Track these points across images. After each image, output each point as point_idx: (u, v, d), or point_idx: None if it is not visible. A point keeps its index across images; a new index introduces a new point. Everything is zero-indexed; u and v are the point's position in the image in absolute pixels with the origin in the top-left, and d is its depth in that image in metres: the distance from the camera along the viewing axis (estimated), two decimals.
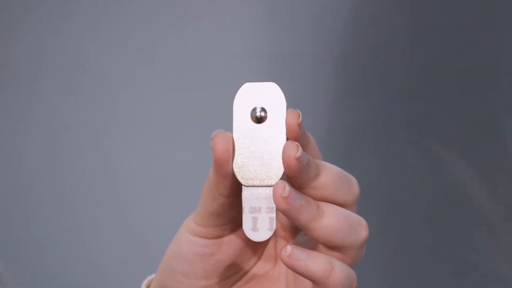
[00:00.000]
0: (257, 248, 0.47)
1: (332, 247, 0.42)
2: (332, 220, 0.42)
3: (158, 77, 0.84)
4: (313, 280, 0.41)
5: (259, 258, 0.47)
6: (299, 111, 0.41)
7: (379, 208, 0.81)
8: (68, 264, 0.84)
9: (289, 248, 0.40)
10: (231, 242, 0.45)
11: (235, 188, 0.42)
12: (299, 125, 0.41)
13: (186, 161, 0.83)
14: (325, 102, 0.83)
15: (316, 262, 0.41)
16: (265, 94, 0.42)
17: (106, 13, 0.84)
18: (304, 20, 0.82)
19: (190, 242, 0.44)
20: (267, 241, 0.47)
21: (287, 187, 0.40)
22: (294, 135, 0.41)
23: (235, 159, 0.41)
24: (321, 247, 0.43)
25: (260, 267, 0.47)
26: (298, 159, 0.40)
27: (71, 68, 0.84)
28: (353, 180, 0.44)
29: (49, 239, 0.84)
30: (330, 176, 0.42)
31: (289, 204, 0.40)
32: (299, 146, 0.40)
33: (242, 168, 0.41)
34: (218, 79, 0.82)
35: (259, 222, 0.41)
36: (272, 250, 0.47)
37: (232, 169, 0.41)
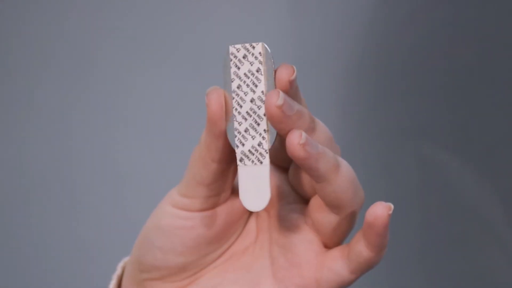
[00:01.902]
0: (240, 223, 0.44)
1: (339, 206, 0.40)
2: (348, 174, 0.39)
3: (173, 76, 0.82)
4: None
5: (239, 234, 0.44)
6: (294, 67, 0.39)
7: (418, 220, 0.78)
8: (72, 266, 0.83)
9: (304, 135, 0.37)
10: (214, 216, 0.42)
11: (227, 153, 0.40)
12: (291, 82, 0.38)
13: None
14: (358, 105, 0.80)
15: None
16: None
17: (115, 9, 0.82)
18: (334, 16, 0.79)
19: (172, 214, 0.42)
20: (249, 216, 0.45)
21: (304, 134, 0.37)
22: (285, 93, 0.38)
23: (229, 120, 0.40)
24: (321, 207, 0.40)
25: (240, 243, 0.44)
26: (280, 107, 0.37)
27: (75, 69, 0.82)
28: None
29: (51, 242, 0.83)
30: (324, 133, 0.40)
31: (307, 152, 0.37)
32: (281, 93, 0.37)
33: None
34: None
35: (256, 189, 0.39)
36: (252, 224, 0.45)
37: (225, 129, 0.39)
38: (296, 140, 0.37)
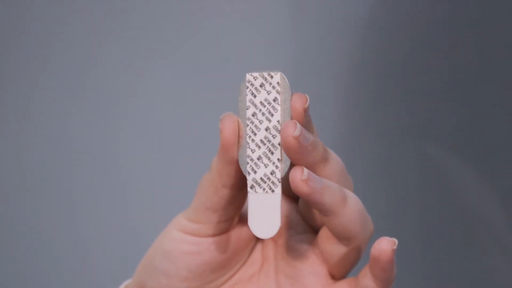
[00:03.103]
0: (246, 251, 0.44)
1: (348, 238, 0.40)
2: (356, 206, 0.39)
3: (174, 78, 0.82)
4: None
5: (244, 263, 0.45)
6: (307, 96, 0.39)
7: (419, 219, 0.78)
8: (71, 267, 0.83)
9: (306, 171, 0.38)
10: (221, 243, 0.42)
11: (238, 179, 0.40)
12: (305, 111, 0.39)
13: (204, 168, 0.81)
14: (358, 105, 0.79)
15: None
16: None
17: (115, 9, 0.82)
18: (334, 16, 0.79)
19: (179, 239, 0.42)
20: (255, 244, 0.45)
21: (306, 170, 0.38)
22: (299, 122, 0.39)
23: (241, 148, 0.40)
24: (330, 238, 0.41)
25: (245, 271, 0.45)
26: (297, 138, 0.37)
27: (75, 70, 0.82)
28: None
29: (50, 243, 0.83)
30: (337, 164, 0.41)
31: (311, 187, 0.37)
32: (297, 124, 0.38)
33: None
34: (240, 80, 0.79)
35: (266, 217, 0.39)
36: (258, 253, 0.45)
37: (237, 156, 0.40)
38: (298, 177, 0.37)
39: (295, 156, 0.38)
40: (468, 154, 0.77)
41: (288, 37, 0.80)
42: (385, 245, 0.38)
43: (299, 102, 0.39)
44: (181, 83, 0.81)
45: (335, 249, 0.41)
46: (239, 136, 0.40)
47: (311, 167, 0.39)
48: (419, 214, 0.79)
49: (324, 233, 0.41)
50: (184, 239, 0.42)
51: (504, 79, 0.77)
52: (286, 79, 0.39)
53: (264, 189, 0.39)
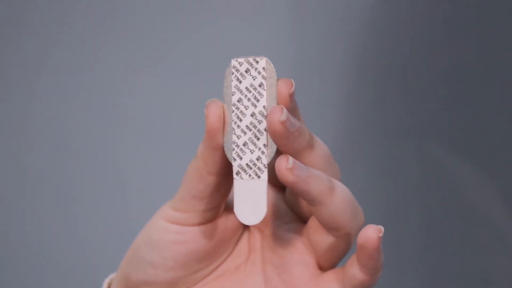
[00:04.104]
0: (232, 241, 0.44)
1: (337, 228, 0.40)
2: (344, 196, 0.39)
3: (174, 78, 0.82)
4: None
5: (231, 252, 0.44)
6: (292, 81, 0.39)
7: (419, 219, 0.78)
8: (71, 267, 0.83)
9: (291, 160, 0.37)
10: (207, 232, 0.42)
11: (224, 166, 0.40)
12: (291, 95, 0.39)
13: None
14: (358, 105, 0.79)
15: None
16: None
17: (115, 9, 0.82)
18: (334, 16, 0.79)
19: (164, 229, 0.42)
20: (241, 234, 0.45)
21: (291, 158, 0.37)
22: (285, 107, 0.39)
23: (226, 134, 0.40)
24: (318, 228, 0.40)
25: (231, 261, 0.44)
26: (283, 123, 0.37)
27: (74, 69, 0.82)
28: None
29: (50, 243, 0.83)
30: (323, 150, 0.40)
31: (296, 176, 0.37)
32: (284, 109, 0.37)
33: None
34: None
35: (252, 203, 0.39)
36: (244, 243, 0.45)
37: (223, 142, 0.39)
38: (283, 165, 0.37)
39: (281, 141, 0.38)
40: (468, 154, 0.77)
41: (288, 37, 0.80)
42: (371, 233, 0.38)
43: (285, 87, 0.39)
44: (181, 83, 0.81)
45: (324, 240, 0.41)
46: (224, 122, 0.39)
47: (297, 153, 0.39)
48: (419, 214, 0.78)
49: (312, 223, 0.41)
50: (169, 229, 0.42)
51: (504, 79, 0.77)
52: (272, 64, 0.39)
53: (250, 175, 0.39)
